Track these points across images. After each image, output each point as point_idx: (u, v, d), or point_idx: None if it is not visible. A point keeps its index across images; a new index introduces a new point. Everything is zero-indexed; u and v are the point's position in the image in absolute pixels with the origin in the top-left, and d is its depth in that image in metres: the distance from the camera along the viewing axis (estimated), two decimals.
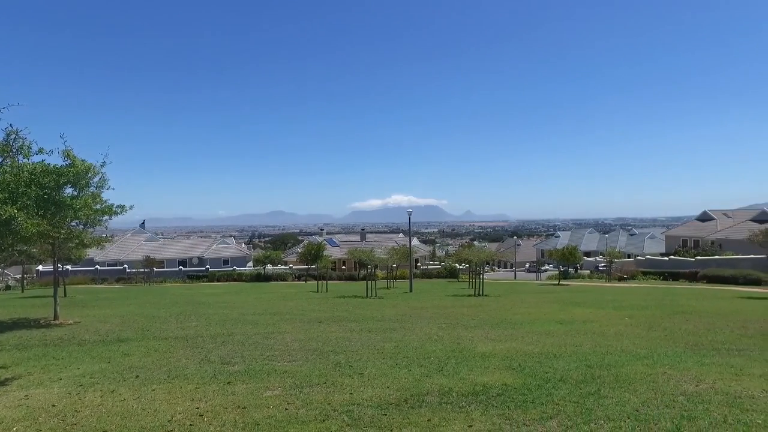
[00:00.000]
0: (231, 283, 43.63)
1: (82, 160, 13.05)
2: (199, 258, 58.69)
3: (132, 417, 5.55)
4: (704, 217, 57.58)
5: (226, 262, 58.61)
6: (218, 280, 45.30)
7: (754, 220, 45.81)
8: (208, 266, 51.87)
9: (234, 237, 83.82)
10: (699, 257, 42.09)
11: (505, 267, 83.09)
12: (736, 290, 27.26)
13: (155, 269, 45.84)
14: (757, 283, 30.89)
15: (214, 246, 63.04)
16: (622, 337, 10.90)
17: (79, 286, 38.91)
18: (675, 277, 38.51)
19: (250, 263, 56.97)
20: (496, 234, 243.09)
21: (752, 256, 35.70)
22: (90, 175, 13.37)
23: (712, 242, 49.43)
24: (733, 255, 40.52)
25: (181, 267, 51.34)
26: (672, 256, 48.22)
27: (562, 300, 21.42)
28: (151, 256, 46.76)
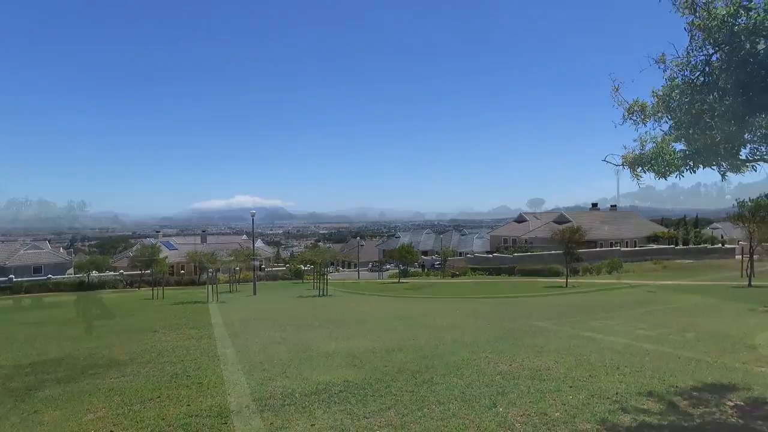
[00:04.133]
0: (45, 294, 38.10)
1: None
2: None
3: None
4: (520, 219, 66.41)
5: (37, 270, 50.68)
6: (27, 292, 39.21)
7: (556, 221, 54.36)
8: (12, 276, 44.36)
9: (49, 240, 72.56)
10: (516, 254, 48.39)
11: (349, 267, 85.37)
12: (543, 281, 31.85)
13: None
14: (557, 274, 36.50)
15: (22, 251, 53.95)
16: (453, 328, 12.02)
17: None
18: (498, 271, 43.58)
19: (71, 270, 50.35)
20: (340, 235, 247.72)
21: (554, 252, 42.16)
22: None
23: (526, 240, 57.14)
24: (540, 251, 47.45)
25: None
26: (495, 253, 54.56)
27: (402, 297, 22.79)
28: None
